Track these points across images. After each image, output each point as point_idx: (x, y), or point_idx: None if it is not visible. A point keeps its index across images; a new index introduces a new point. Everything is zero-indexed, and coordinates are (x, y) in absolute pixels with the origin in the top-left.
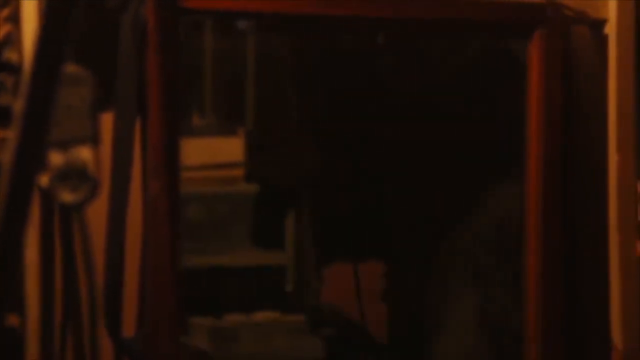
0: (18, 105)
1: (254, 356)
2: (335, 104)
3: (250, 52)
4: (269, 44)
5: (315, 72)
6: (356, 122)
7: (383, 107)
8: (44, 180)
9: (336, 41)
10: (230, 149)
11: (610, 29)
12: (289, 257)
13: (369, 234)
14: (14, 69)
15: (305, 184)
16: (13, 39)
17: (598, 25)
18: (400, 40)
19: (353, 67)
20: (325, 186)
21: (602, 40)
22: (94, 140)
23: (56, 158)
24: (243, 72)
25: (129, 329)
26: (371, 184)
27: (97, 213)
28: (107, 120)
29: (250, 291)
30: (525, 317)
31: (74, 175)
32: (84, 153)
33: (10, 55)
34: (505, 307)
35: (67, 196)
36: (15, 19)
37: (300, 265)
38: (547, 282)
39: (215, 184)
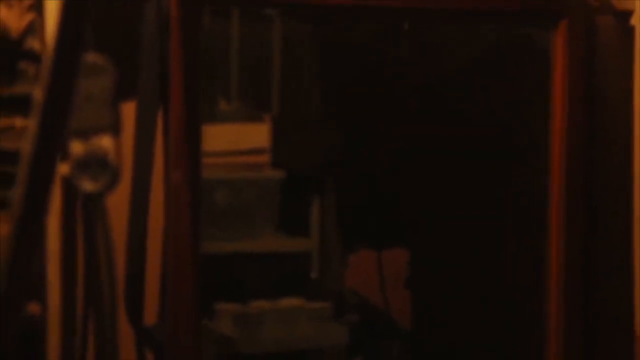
0: (38, 94)
1: (278, 342)
2: (360, 91)
3: (276, 39)
4: (295, 31)
5: (339, 59)
6: (381, 109)
7: (407, 94)
8: (64, 169)
9: (361, 29)
10: (256, 135)
11: (636, 20)
12: (314, 243)
13: (393, 221)
14: (37, 58)
15: (331, 170)
16: (36, 28)
17: (624, 16)
18: (423, 29)
19: (377, 55)
20: (350, 173)
21: (628, 32)
22: (114, 129)
23: (77, 147)
24: (269, 58)
25: (150, 317)
26: (396, 171)
27: (120, 202)
28: (129, 109)
29: (275, 277)
30: (547, 308)
31: (95, 164)
32: (105, 142)
33: (33, 43)
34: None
35: (87, 185)
36: (38, 7)
37: (325, 252)
38: (569, 272)
39: (240, 169)
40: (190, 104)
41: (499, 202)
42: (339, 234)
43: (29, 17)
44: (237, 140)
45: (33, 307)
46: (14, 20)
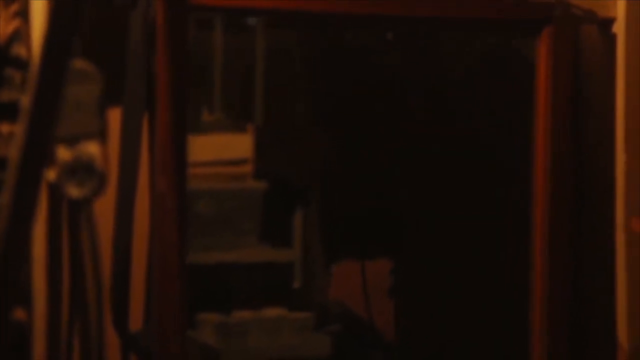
0: (25, 101)
1: (261, 352)
2: (344, 101)
3: (260, 50)
4: (279, 42)
5: (324, 69)
6: (365, 119)
7: (391, 105)
8: (51, 175)
9: (345, 38)
10: (239, 145)
11: (619, 28)
12: (297, 254)
13: (377, 231)
14: (23, 64)
15: (314, 181)
16: (22, 34)
17: (606, 24)
18: (409, 37)
19: (362, 65)
20: (333, 183)
21: (611, 39)
22: (101, 135)
23: (64, 153)
24: (252, 69)
25: (135, 323)
26: (379, 181)
27: (105, 208)
28: (115, 116)
29: (258, 287)
30: (531, 315)
31: (81, 170)
32: (92, 148)
33: (19, 50)
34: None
35: (74, 191)
36: (24, 14)
37: (308, 262)
38: (553, 281)
39: (224, 180)
40: (177, 110)
41: (483, 212)
42: (322, 244)
43: (15, 23)
44: (220, 150)
45: (19, 314)
46: (0, 26)
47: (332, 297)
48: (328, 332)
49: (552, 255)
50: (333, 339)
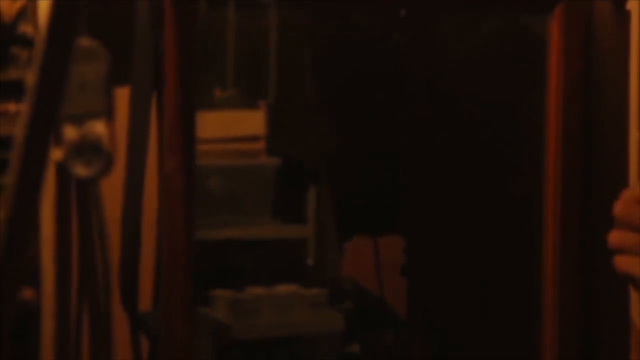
0: (30, 78)
1: (274, 328)
2: (356, 78)
3: (272, 26)
4: (291, 18)
5: (336, 47)
6: (377, 96)
7: (403, 82)
8: (58, 154)
9: (357, 16)
10: (252, 122)
11: (633, 5)
12: (310, 230)
13: (390, 208)
14: (30, 42)
15: (327, 157)
16: (28, 13)
17: (620, 0)
18: (421, 17)
19: (374, 43)
20: (346, 160)
21: (624, 16)
22: (108, 114)
23: (71, 132)
24: (265, 45)
25: (144, 303)
26: (392, 158)
27: (114, 188)
28: (123, 95)
29: (271, 264)
30: (542, 298)
31: (89, 149)
32: (99, 127)
33: (26, 28)
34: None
35: (81, 170)
36: None
37: (321, 239)
38: (565, 262)
39: (236, 157)
40: (185, 90)
41: (496, 191)
42: (335, 220)
43: (21, 1)
44: (232, 127)
45: (27, 293)
46: (6, 4)
47: (345, 274)
48: (340, 309)
49: (564, 238)
50: (345, 315)
